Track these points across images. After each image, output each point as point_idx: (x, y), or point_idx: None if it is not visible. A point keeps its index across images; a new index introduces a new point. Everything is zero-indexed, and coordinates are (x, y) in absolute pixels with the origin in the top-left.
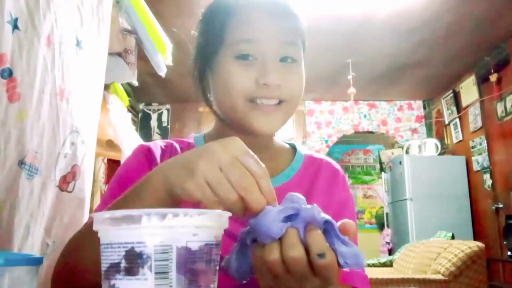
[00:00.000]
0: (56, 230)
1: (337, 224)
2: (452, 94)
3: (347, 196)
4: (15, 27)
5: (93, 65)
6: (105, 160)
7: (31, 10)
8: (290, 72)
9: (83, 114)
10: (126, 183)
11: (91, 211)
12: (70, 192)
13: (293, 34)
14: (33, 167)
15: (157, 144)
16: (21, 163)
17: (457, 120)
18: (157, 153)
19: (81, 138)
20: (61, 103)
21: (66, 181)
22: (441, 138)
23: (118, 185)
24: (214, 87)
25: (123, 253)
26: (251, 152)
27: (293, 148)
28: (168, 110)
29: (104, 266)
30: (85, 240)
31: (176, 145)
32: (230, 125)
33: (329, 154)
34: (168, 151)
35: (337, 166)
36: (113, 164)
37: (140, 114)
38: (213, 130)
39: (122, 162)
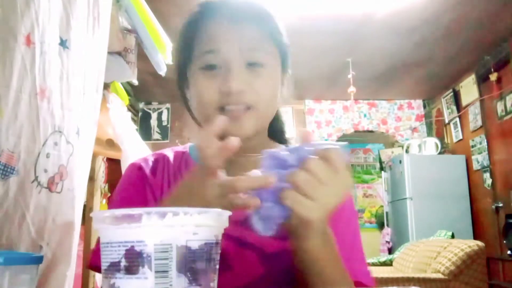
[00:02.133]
0: (50, 232)
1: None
2: (452, 93)
3: (352, 213)
4: None
5: (87, 65)
6: (105, 159)
7: (5, 10)
8: (256, 77)
9: (69, 114)
10: (128, 202)
11: (90, 210)
12: (59, 192)
13: (256, 40)
14: (8, 167)
15: (147, 160)
16: None
17: (457, 119)
18: (148, 168)
19: (66, 139)
20: (41, 103)
21: (54, 182)
22: (441, 137)
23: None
24: (190, 98)
25: (123, 252)
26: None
27: None
28: (168, 109)
29: (104, 265)
30: None
31: (170, 154)
32: None
33: None
34: (160, 162)
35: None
36: (113, 163)
37: (140, 113)
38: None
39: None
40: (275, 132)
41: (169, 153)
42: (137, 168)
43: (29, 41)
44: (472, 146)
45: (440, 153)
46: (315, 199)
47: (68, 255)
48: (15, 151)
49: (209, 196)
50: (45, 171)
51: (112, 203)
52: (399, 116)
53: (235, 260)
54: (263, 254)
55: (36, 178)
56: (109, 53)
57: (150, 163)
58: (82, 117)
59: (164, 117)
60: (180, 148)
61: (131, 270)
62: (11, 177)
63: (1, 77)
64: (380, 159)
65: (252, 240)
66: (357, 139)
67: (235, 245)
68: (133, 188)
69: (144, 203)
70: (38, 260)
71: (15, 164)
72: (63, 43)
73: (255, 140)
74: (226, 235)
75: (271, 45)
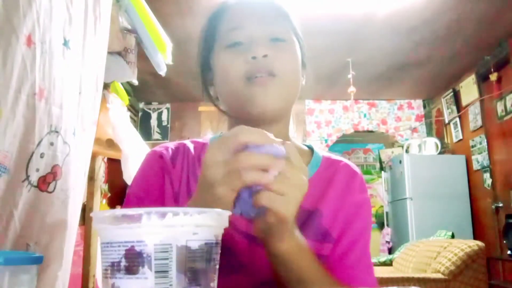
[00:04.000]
0: (38, 231)
1: None
2: (452, 93)
3: (364, 199)
4: None
5: (87, 65)
6: (105, 159)
7: (8, 9)
8: (280, 49)
9: (68, 114)
10: (146, 193)
11: (90, 210)
12: (50, 192)
13: (277, 20)
14: (0, 166)
15: (168, 148)
16: None
17: (457, 119)
18: (168, 157)
19: (63, 139)
20: (39, 103)
21: (46, 182)
22: (441, 137)
23: (137, 198)
24: (216, 80)
25: (123, 252)
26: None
27: (311, 150)
28: (168, 109)
29: (104, 265)
30: None
31: (190, 145)
32: (237, 119)
33: None
34: (180, 152)
35: (356, 168)
36: (113, 163)
37: (140, 113)
38: (227, 130)
39: (129, 168)
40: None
41: (189, 144)
42: (158, 156)
43: (30, 41)
44: (472, 146)
45: (440, 153)
46: (285, 195)
47: (60, 255)
48: (9, 150)
49: (214, 178)
50: (37, 170)
51: (131, 190)
52: (399, 116)
53: (247, 257)
54: None
55: (28, 177)
56: (109, 53)
57: (170, 152)
58: (79, 117)
59: (164, 117)
60: (200, 139)
61: (131, 270)
62: (2, 175)
63: (1, 77)
64: (380, 159)
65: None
66: (357, 139)
67: (247, 242)
68: (154, 178)
69: (161, 194)
70: (38, 260)
71: (7, 163)
72: (66, 43)
73: (276, 127)
74: (238, 231)
75: (291, 32)
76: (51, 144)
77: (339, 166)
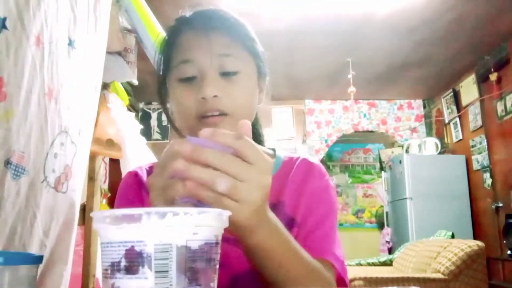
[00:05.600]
0: (54, 232)
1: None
2: (452, 93)
3: (325, 184)
4: (3, 26)
5: (88, 64)
6: (106, 160)
7: (20, 9)
8: (230, 84)
9: (73, 114)
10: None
11: (90, 210)
12: (64, 192)
13: (228, 46)
14: (19, 167)
15: (142, 168)
16: (7, 163)
17: (457, 119)
18: (143, 175)
19: (71, 139)
20: (49, 103)
21: (60, 182)
22: (441, 137)
23: None
24: (171, 109)
25: (123, 252)
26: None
27: (274, 152)
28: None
29: (104, 265)
30: None
31: None
32: None
33: (329, 153)
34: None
35: (313, 159)
36: (113, 163)
37: (140, 113)
38: None
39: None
40: (254, 135)
41: None
42: (133, 175)
43: (39, 41)
44: (472, 146)
45: (440, 153)
46: (238, 200)
47: (66, 255)
48: (25, 151)
49: (152, 199)
50: (53, 171)
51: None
52: (399, 116)
53: (222, 257)
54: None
55: (46, 178)
56: (109, 53)
57: (145, 171)
58: (83, 117)
59: (164, 117)
60: None
61: (131, 270)
62: (22, 177)
63: (13, 77)
64: (380, 159)
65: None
66: (357, 139)
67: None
68: (133, 193)
69: (143, 206)
70: (38, 260)
71: (25, 164)
72: (71, 43)
73: None
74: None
75: (244, 51)
76: (62, 144)
77: (296, 160)
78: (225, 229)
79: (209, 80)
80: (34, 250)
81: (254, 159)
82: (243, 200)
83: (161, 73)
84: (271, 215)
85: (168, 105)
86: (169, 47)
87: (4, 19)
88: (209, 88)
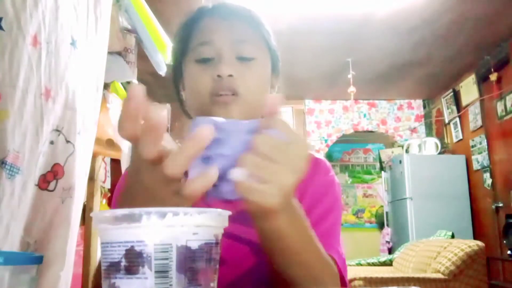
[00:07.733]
0: (37, 229)
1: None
2: (452, 93)
3: (331, 179)
4: None
5: (89, 64)
6: (106, 159)
7: (17, 10)
8: (246, 68)
9: (72, 114)
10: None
11: (90, 210)
12: (51, 191)
13: (247, 35)
14: (14, 167)
15: None
16: (2, 163)
17: (457, 119)
18: None
19: (65, 138)
20: (46, 103)
21: (46, 180)
22: (441, 137)
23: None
24: (185, 90)
25: (123, 252)
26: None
27: None
28: (168, 109)
29: (104, 265)
30: None
31: None
32: None
33: (329, 153)
34: None
35: (320, 156)
36: (113, 163)
37: None
38: None
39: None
40: None
41: None
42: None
43: (35, 41)
44: (472, 146)
45: (440, 153)
46: (269, 183)
47: (62, 255)
48: (20, 151)
49: (152, 185)
50: (39, 169)
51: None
52: (399, 116)
53: (227, 254)
54: (254, 246)
55: (35, 176)
56: (109, 53)
57: None
58: (84, 117)
59: None
60: None
61: (131, 270)
62: (16, 176)
63: (8, 77)
64: (380, 159)
65: (241, 233)
66: (357, 139)
67: (227, 239)
68: None
69: None
70: (38, 260)
71: (20, 164)
72: (73, 43)
73: None
74: (227, 234)
75: (262, 42)
76: (51, 142)
77: None
78: (243, 209)
79: (226, 60)
80: (15, 248)
81: (291, 138)
82: (276, 183)
83: (177, 54)
84: (295, 201)
85: (180, 89)
86: (188, 30)
87: (0, 20)
88: (225, 67)
